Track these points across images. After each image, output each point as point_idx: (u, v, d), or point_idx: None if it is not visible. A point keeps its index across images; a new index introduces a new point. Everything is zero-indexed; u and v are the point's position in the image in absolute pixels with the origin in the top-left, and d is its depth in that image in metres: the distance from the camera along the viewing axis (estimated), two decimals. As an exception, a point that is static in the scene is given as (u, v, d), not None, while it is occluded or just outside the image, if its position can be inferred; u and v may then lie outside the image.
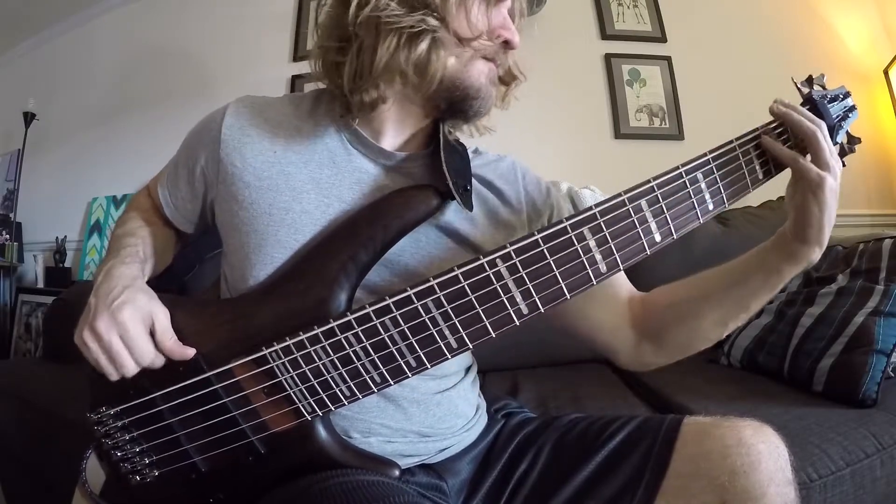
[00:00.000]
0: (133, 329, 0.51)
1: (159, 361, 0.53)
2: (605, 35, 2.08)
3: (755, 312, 0.61)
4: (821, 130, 0.54)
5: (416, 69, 0.56)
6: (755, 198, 1.71)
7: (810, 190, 0.53)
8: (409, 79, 0.57)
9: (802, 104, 0.60)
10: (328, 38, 0.60)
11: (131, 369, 0.51)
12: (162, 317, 0.54)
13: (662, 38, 2.08)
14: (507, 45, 0.61)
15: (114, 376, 0.52)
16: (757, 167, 0.57)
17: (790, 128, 0.56)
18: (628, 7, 2.11)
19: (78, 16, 2.28)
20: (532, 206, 0.68)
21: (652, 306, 0.66)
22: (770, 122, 0.58)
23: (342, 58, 0.59)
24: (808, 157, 0.55)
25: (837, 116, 0.61)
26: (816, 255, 0.56)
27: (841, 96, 0.63)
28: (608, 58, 2.05)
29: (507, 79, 0.66)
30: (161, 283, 0.65)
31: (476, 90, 0.59)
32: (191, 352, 0.53)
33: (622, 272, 0.54)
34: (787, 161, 0.55)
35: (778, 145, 0.56)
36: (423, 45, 0.55)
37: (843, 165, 0.63)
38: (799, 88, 0.61)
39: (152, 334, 0.53)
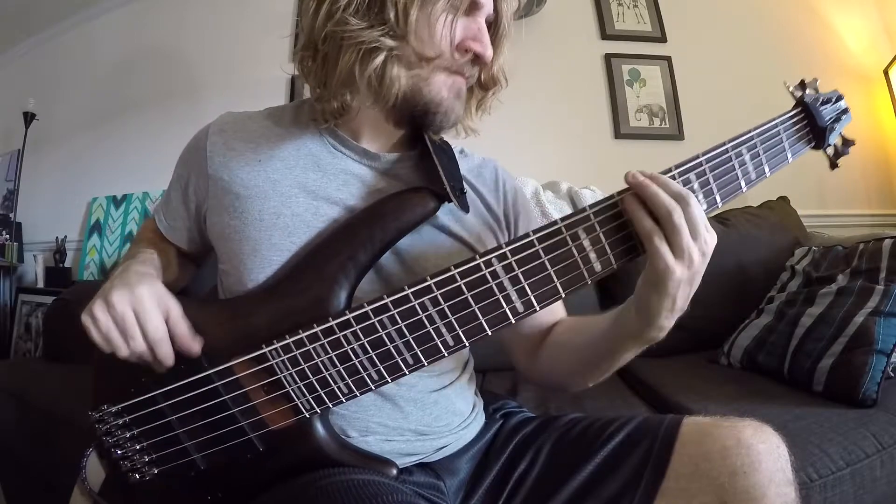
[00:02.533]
0: (148, 303, 0.51)
1: (166, 346, 0.52)
2: (605, 35, 2.08)
3: (611, 372, 0.60)
4: (681, 209, 0.46)
5: (370, 84, 0.56)
6: (755, 198, 1.72)
7: (653, 273, 0.47)
8: (367, 92, 0.57)
9: (794, 107, 0.60)
10: (302, 46, 0.61)
11: (140, 343, 0.51)
12: (175, 307, 0.54)
13: (662, 38, 2.08)
14: (476, 59, 0.59)
15: (121, 350, 0.51)
16: (751, 169, 0.57)
17: (647, 202, 0.47)
18: (628, 7, 2.11)
19: (78, 16, 2.28)
20: (507, 214, 0.70)
21: (547, 338, 0.68)
22: (788, 112, 0.58)
23: (312, 66, 0.60)
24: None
25: (830, 119, 0.61)
26: (657, 335, 0.52)
27: (834, 99, 0.63)
28: (608, 58, 2.05)
29: (486, 84, 0.65)
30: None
31: (436, 104, 0.58)
32: (197, 347, 0.53)
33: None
34: (641, 234, 0.47)
35: (641, 212, 0.47)
36: (378, 61, 0.55)
37: (837, 167, 0.63)
38: (791, 93, 0.62)
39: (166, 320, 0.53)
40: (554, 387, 0.69)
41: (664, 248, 0.46)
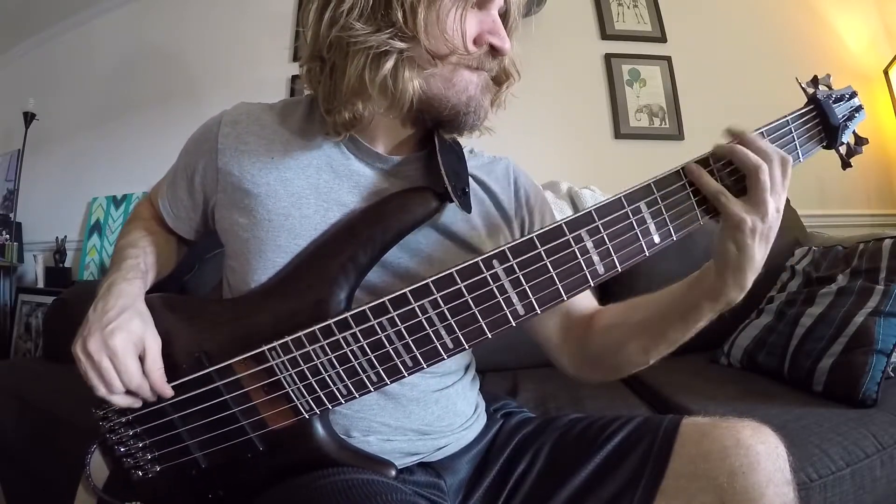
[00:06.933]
0: (123, 355, 0.52)
1: (146, 387, 0.53)
2: (605, 35, 2.08)
3: (679, 344, 0.58)
4: (766, 167, 0.49)
5: (380, 90, 0.54)
6: (755, 198, 1.71)
7: (729, 228, 0.50)
8: (381, 98, 0.55)
9: (807, 104, 0.59)
10: (308, 57, 0.59)
11: (119, 390, 0.52)
12: (153, 346, 0.54)
13: (662, 38, 2.08)
14: (494, 51, 0.57)
15: (102, 393, 0.53)
16: None
17: (736, 162, 0.51)
18: (628, 7, 2.11)
19: (78, 16, 2.28)
20: (521, 213, 0.69)
21: (591, 326, 0.66)
22: (799, 109, 0.57)
23: (320, 76, 0.58)
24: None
25: (843, 116, 0.59)
26: (736, 296, 0.52)
27: (847, 96, 0.61)
28: (608, 58, 2.05)
29: (500, 78, 0.63)
30: (161, 284, 0.65)
31: (466, 104, 0.56)
32: (169, 391, 0.54)
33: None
34: (709, 196, 0.51)
35: (705, 176, 0.51)
36: (388, 66, 0.52)
37: (850, 166, 0.62)
38: (804, 89, 0.60)
39: (143, 359, 0.54)
40: (612, 373, 0.65)
41: (731, 203, 0.49)
